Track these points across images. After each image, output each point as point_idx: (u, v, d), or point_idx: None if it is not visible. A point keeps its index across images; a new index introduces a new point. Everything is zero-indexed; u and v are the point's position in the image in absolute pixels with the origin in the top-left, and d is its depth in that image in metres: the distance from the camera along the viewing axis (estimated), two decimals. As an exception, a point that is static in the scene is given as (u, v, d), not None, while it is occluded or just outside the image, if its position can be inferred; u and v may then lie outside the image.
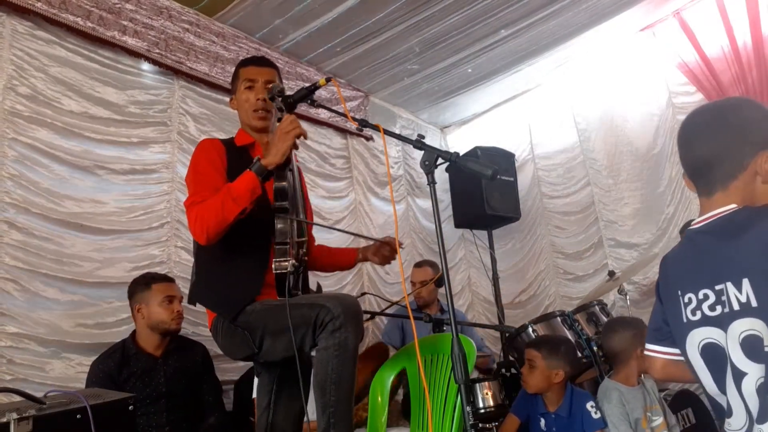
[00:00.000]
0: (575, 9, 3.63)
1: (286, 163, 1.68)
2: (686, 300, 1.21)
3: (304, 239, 1.81)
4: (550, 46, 4.11)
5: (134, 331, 2.42)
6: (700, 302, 1.17)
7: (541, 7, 3.54)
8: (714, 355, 1.15)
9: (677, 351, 1.28)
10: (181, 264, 2.86)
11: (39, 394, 1.34)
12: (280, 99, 1.70)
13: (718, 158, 1.20)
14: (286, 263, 1.60)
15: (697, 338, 1.18)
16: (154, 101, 2.97)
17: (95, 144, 2.67)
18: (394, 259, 2.05)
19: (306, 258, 1.81)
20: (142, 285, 2.41)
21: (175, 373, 2.37)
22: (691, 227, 1.27)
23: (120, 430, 1.33)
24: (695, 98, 4.01)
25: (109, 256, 2.63)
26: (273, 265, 1.62)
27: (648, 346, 1.38)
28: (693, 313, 1.19)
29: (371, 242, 2.17)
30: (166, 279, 2.47)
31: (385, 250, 2.05)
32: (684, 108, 4.09)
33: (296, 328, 1.57)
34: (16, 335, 2.25)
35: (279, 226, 1.68)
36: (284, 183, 1.67)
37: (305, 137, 1.70)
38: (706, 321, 1.16)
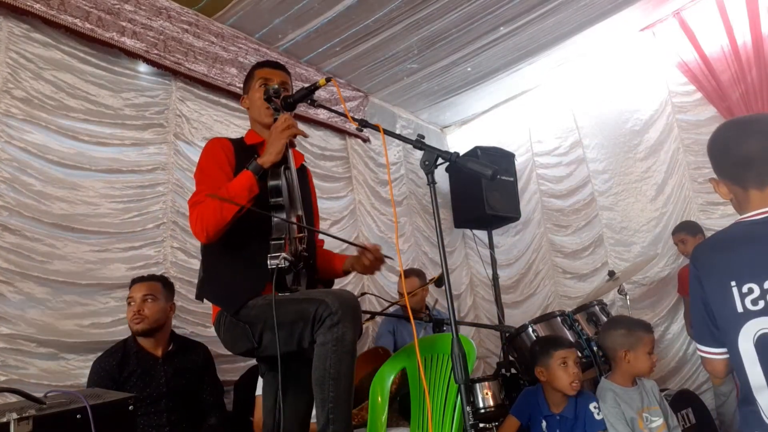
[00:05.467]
0: (575, 6, 3.64)
1: (282, 162, 1.71)
2: (745, 290, 1.20)
3: (303, 235, 1.81)
4: (550, 45, 4.11)
5: None
6: (765, 292, 1.17)
7: (541, 3, 3.54)
8: None
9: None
10: (177, 264, 2.86)
11: (38, 395, 1.33)
12: (278, 100, 1.75)
13: None
14: (278, 258, 1.61)
15: (753, 329, 1.18)
16: (151, 103, 2.97)
17: (90, 146, 2.67)
18: (377, 268, 1.92)
19: (306, 254, 1.81)
20: (129, 287, 2.44)
21: (176, 373, 2.38)
22: (746, 219, 1.27)
23: (120, 430, 1.33)
24: (695, 98, 4.02)
25: (105, 257, 2.62)
26: (268, 261, 1.63)
27: (705, 348, 1.35)
28: (754, 303, 1.18)
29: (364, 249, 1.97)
30: (143, 279, 2.45)
31: (366, 259, 1.87)
32: (684, 108, 4.09)
33: (294, 323, 1.58)
34: (9, 336, 2.25)
35: (274, 222, 1.71)
36: (278, 181, 1.70)
37: (304, 135, 1.72)
38: None
